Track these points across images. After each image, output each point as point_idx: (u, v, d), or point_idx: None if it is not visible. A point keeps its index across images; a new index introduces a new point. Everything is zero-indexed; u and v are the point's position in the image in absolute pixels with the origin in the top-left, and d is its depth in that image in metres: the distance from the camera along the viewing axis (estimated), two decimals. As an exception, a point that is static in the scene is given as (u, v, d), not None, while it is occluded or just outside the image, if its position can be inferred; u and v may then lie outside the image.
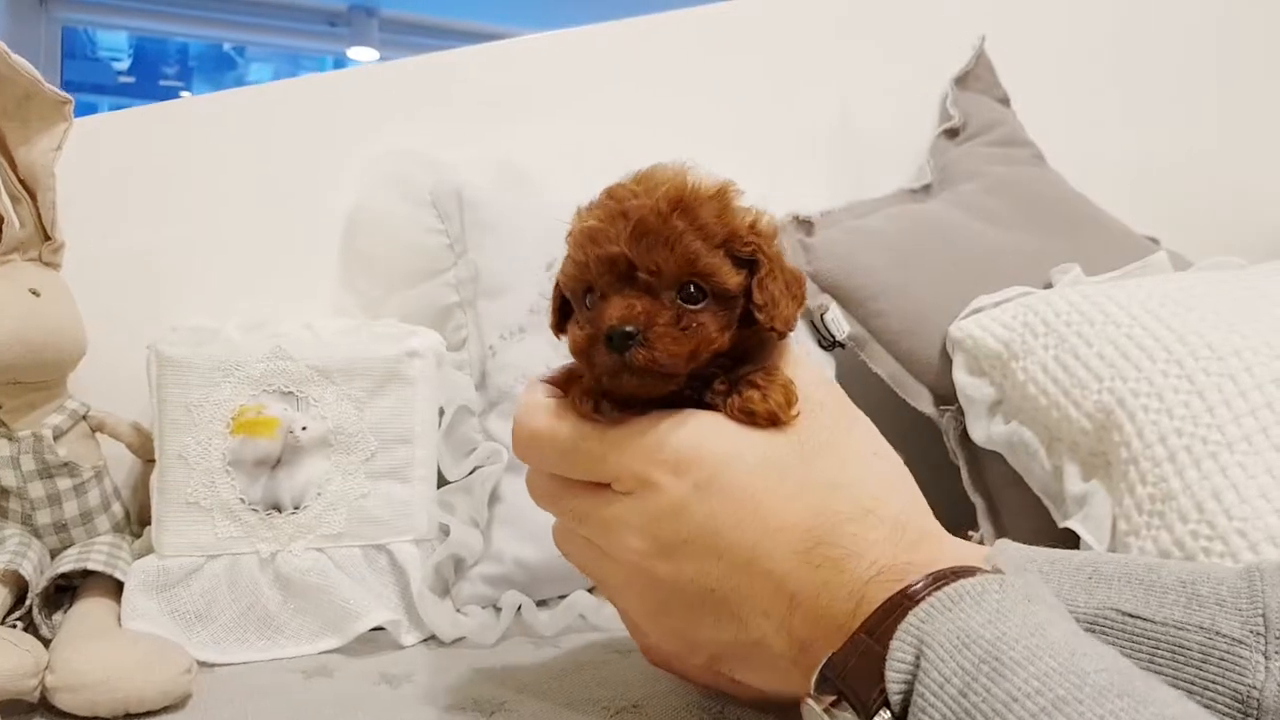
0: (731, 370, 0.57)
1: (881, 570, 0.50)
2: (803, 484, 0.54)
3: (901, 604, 0.47)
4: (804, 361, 0.60)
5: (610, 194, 0.57)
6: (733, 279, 0.56)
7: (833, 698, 0.48)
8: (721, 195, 0.57)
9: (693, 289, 0.55)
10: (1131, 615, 0.51)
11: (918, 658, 0.44)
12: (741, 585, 0.54)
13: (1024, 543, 0.98)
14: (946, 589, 0.46)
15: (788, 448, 0.55)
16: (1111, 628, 0.51)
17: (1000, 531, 1.00)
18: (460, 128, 1.09)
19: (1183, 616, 0.50)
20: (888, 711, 0.44)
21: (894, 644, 0.45)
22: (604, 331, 0.54)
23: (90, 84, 4.86)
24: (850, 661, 0.47)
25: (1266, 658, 0.48)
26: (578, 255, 0.57)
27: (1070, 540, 0.88)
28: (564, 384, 0.61)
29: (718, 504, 0.54)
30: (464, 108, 1.11)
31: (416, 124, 1.08)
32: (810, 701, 0.49)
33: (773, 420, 0.56)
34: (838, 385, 0.60)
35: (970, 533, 1.01)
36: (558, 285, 0.60)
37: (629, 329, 0.53)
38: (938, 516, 1.06)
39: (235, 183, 1.02)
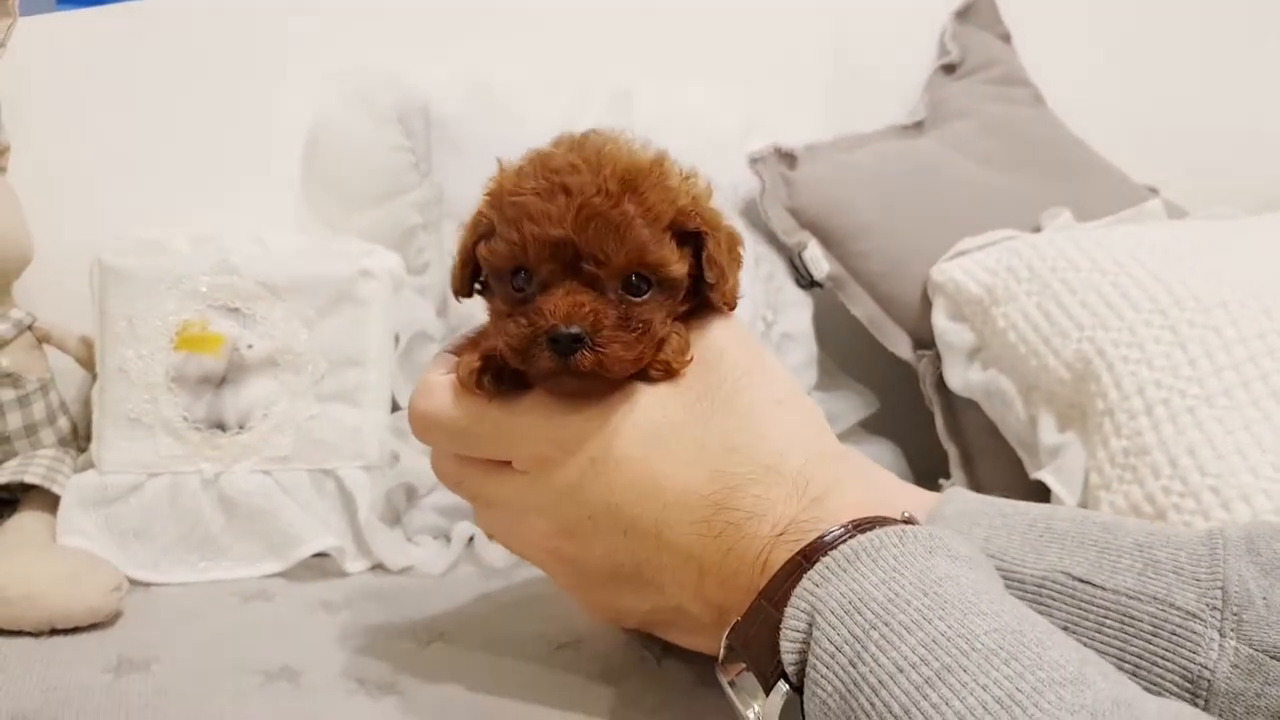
0: None
1: (785, 530, 0.48)
2: (700, 447, 0.51)
3: (800, 566, 0.45)
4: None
5: (544, 161, 0.52)
6: (680, 267, 0.52)
7: (741, 666, 0.46)
8: (661, 167, 0.53)
9: (637, 280, 0.51)
10: (1081, 580, 0.48)
11: (810, 624, 0.42)
12: (652, 558, 0.52)
13: (998, 494, 0.95)
14: (843, 547, 0.44)
15: (683, 409, 0.52)
16: (1060, 592, 0.48)
17: (974, 481, 0.98)
18: (427, 44, 1.04)
19: (1135, 584, 0.47)
20: (785, 683, 0.43)
21: (787, 611, 0.43)
22: (546, 330, 0.49)
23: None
24: (751, 630, 0.46)
25: (1221, 634, 0.45)
26: (509, 233, 0.51)
27: (1043, 492, 0.86)
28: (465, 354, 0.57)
29: (615, 479, 0.52)
30: (432, 23, 1.06)
31: (380, 38, 1.04)
32: (719, 673, 0.48)
33: (667, 371, 0.53)
34: (741, 324, 0.57)
35: (942, 481, 0.99)
36: (466, 245, 0.56)
37: (575, 330, 0.49)
38: (911, 463, 1.05)
39: (192, 90, 0.98)
